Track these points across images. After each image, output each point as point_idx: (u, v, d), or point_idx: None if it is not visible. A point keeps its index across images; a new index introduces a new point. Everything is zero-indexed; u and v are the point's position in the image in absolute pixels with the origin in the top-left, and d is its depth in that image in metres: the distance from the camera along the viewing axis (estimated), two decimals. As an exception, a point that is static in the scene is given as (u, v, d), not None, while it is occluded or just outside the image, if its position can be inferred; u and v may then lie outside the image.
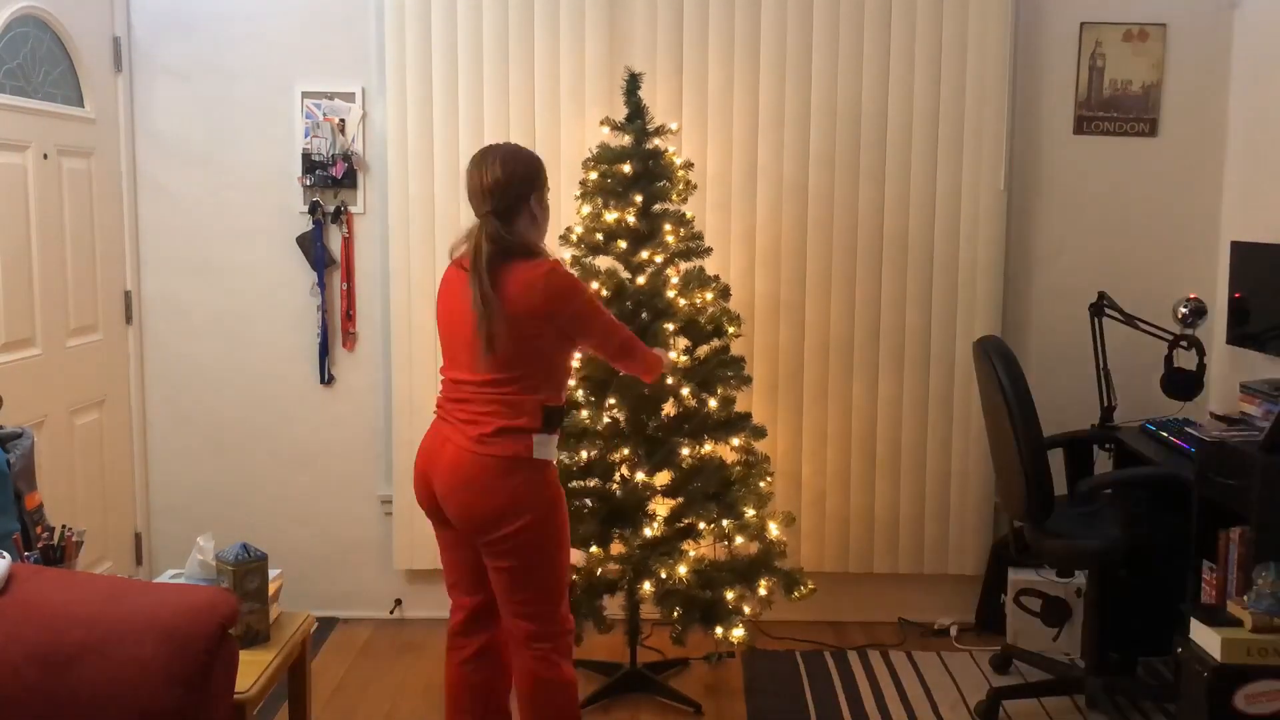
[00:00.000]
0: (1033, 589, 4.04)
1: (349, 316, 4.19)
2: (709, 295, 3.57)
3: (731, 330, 3.58)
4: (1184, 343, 3.76)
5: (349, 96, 4.10)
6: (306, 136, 4.10)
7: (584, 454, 3.48)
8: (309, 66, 4.10)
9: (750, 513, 3.51)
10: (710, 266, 3.64)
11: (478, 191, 2.70)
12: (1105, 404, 3.89)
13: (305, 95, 4.09)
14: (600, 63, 4.00)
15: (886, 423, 4.16)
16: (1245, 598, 2.93)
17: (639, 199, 3.51)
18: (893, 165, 4.07)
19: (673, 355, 3.41)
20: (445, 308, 2.80)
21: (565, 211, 3.89)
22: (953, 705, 3.62)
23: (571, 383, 3.49)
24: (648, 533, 3.41)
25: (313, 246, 4.13)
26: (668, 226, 3.53)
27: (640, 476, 3.43)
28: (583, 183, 3.60)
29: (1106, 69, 4.11)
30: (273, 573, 2.74)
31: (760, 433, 3.61)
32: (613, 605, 3.60)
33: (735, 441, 3.55)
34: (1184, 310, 3.80)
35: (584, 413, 3.46)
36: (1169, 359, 3.78)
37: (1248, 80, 4.02)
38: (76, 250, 3.80)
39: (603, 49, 4.01)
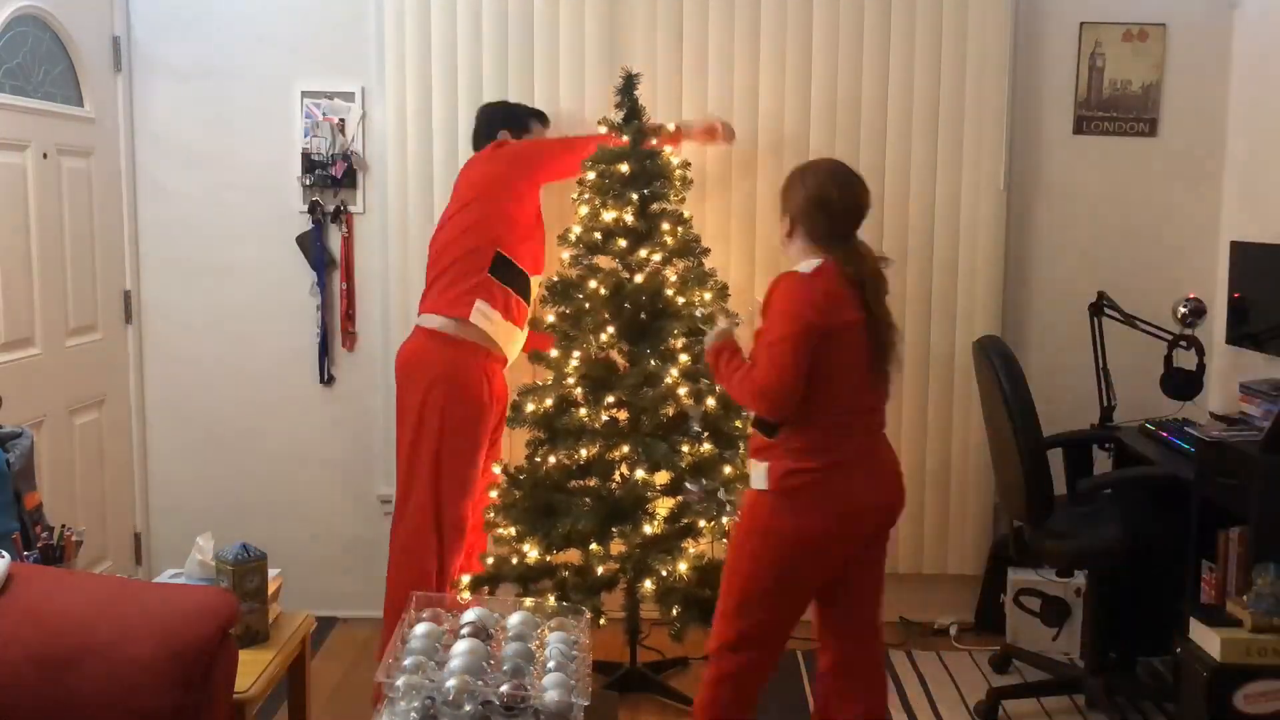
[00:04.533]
0: (1032, 589, 4.04)
1: (348, 316, 4.19)
2: (708, 295, 3.57)
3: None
4: (1184, 343, 3.75)
5: (349, 96, 4.10)
6: (306, 136, 4.09)
7: (583, 452, 3.49)
8: (309, 66, 4.10)
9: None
10: (709, 266, 3.64)
11: (856, 213, 2.83)
12: (1105, 404, 3.89)
13: (305, 95, 4.09)
14: (600, 63, 4.00)
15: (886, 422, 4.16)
16: (1245, 598, 2.93)
17: (636, 198, 3.51)
18: (892, 165, 4.06)
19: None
20: (841, 325, 2.68)
21: (566, 211, 3.89)
22: (952, 705, 3.62)
23: (570, 381, 3.50)
24: (648, 530, 3.41)
25: (312, 246, 4.13)
26: (666, 226, 3.53)
27: (640, 474, 3.43)
28: (580, 182, 3.60)
29: (1106, 69, 4.11)
30: (272, 573, 2.74)
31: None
32: (613, 604, 3.60)
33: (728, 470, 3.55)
34: (1184, 310, 3.80)
35: (582, 411, 3.46)
36: (1169, 359, 3.78)
37: (1248, 80, 4.02)
38: (76, 250, 3.80)
39: (603, 49, 4.01)
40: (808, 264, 2.71)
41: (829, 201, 2.75)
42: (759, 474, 2.72)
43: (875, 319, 2.72)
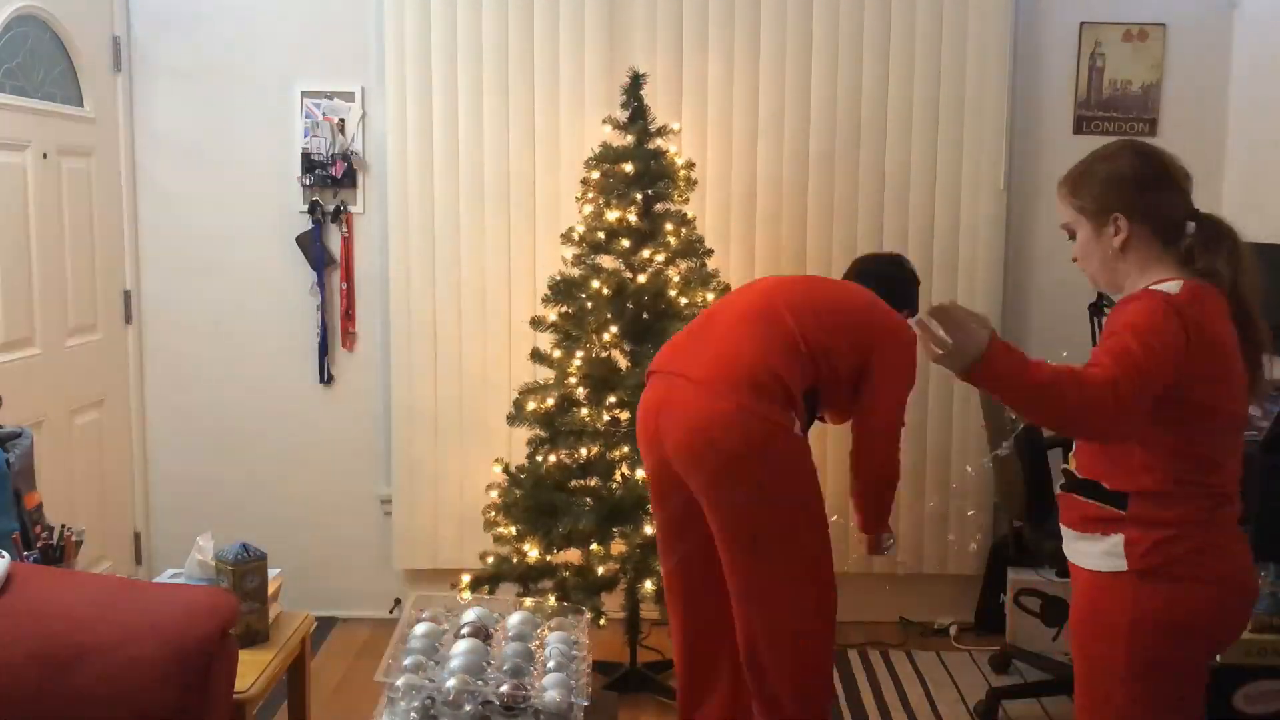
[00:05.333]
0: (1032, 589, 4.04)
1: (348, 316, 4.19)
2: (710, 296, 3.57)
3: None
4: (1184, 343, 3.74)
5: (349, 96, 4.10)
6: (306, 136, 4.09)
7: (584, 452, 3.49)
8: (309, 66, 4.10)
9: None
10: (710, 267, 3.64)
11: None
12: (1105, 404, 3.88)
13: (305, 95, 4.09)
14: (600, 62, 4.00)
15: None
16: (1245, 598, 2.93)
17: (639, 198, 3.51)
18: (893, 165, 4.06)
19: None
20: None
21: (566, 210, 3.89)
22: (952, 705, 3.62)
23: (572, 380, 3.50)
24: (648, 530, 3.41)
25: (312, 246, 4.13)
26: (669, 226, 3.53)
27: (640, 474, 3.43)
28: (584, 181, 3.60)
29: (1106, 69, 4.11)
30: (272, 572, 2.74)
31: None
32: (613, 604, 3.60)
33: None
34: (1184, 310, 3.79)
35: (584, 411, 3.46)
36: (1169, 359, 3.77)
37: (1247, 80, 4.02)
38: (76, 250, 3.80)
39: (603, 49, 4.01)
40: (1173, 284, 2.05)
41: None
42: (1106, 549, 2.09)
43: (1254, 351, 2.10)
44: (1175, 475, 2.04)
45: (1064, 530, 2.23)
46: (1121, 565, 2.04)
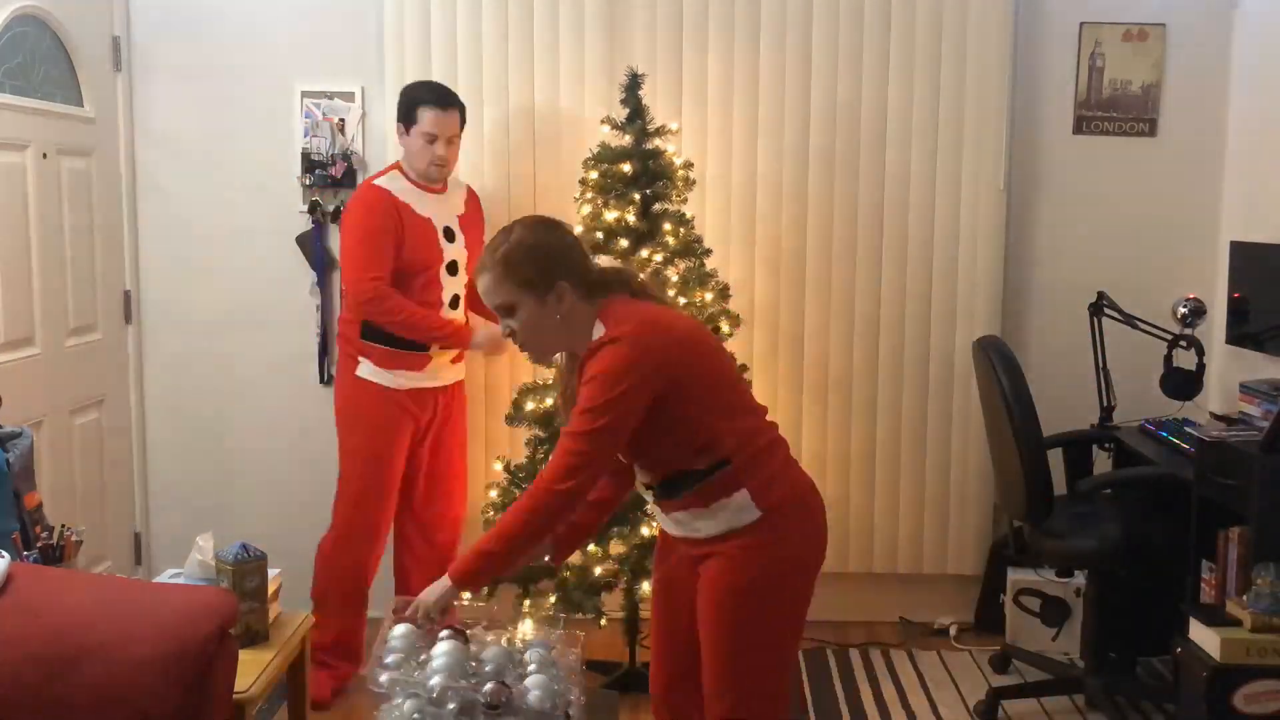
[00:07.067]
0: (1032, 589, 4.04)
1: (349, 316, 4.18)
2: (709, 296, 3.57)
3: (726, 330, 3.58)
4: (1183, 342, 3.75)
5: (349, 96, 4.10)
6: (306, 136, 4.09)
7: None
8: (309, 66, 4.10)
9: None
10: (709, 267, 3.64)
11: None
12: (1105, 404, 3.89)
13: (305, 95, 4.09)
14: (600, 63, 4.00)
15: (886, 422, 4.16)
16: (1244, 598, 2.93)
17: (638, 198, 3.51)
18: (892, 165, 4.06)
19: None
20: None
21: (566, 211, 3.89)
22: (952, 705, 3.62)
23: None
24: (645, 532, 3.41)
25: (312, 246, 4.13)
26: (667, 226, 3.53)
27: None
28: (582, 182, 3.60)
29: (1106, 69, 4.11)
30: (272, 572, 2.74)
31: None
32: (613, 604, 3.60)
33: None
34: (1183, 310, 3.80)
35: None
36: (1168, 359, 3.78)
37: (1247, 80, 4.02)
38: (76, 250, 3.80)
39: (603, 49, 4.01)
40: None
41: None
42: (738, 505, 2.25)
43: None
44: (725, 434, 2.24)
45: (681, 519, 2.33)
46: (755, 512, 2.23)
